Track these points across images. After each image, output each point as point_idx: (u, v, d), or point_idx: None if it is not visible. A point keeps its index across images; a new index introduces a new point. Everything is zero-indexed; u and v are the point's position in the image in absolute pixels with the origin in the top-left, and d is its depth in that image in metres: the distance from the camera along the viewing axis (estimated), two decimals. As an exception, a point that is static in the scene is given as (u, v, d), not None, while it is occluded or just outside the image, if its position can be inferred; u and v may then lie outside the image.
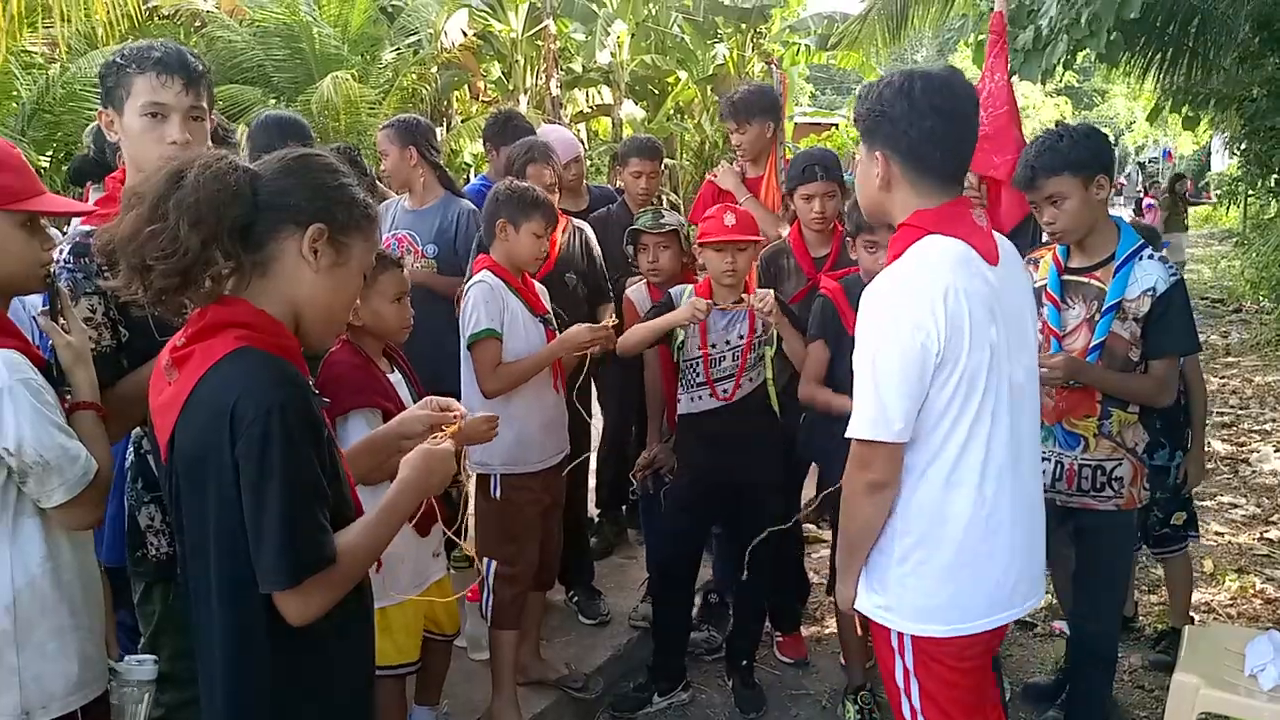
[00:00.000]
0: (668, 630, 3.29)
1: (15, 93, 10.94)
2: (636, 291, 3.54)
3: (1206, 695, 2.45)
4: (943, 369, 1.73)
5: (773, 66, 4.56)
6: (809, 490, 3.44)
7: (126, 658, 1.79)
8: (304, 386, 1.44)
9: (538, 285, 3.03)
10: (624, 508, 4.31)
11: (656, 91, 18.48)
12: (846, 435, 1.81)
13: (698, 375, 3.07)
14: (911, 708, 1.88)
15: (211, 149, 1.52)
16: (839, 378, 2.95)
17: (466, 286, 2.92)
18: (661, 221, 3.39)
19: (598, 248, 3.64)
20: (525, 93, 16.63)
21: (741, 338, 3.06)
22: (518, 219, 2.86)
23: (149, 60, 1.89)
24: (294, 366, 1.44)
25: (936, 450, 1.78)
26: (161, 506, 1.92)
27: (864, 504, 1.83)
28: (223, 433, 1.34)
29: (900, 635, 1.86)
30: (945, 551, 1.80)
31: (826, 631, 3.74)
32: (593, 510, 4.23)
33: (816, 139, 18.28)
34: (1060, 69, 6.22)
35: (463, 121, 16.86)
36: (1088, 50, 5.87)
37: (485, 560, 2.87)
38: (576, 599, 3.66)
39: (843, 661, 3.38)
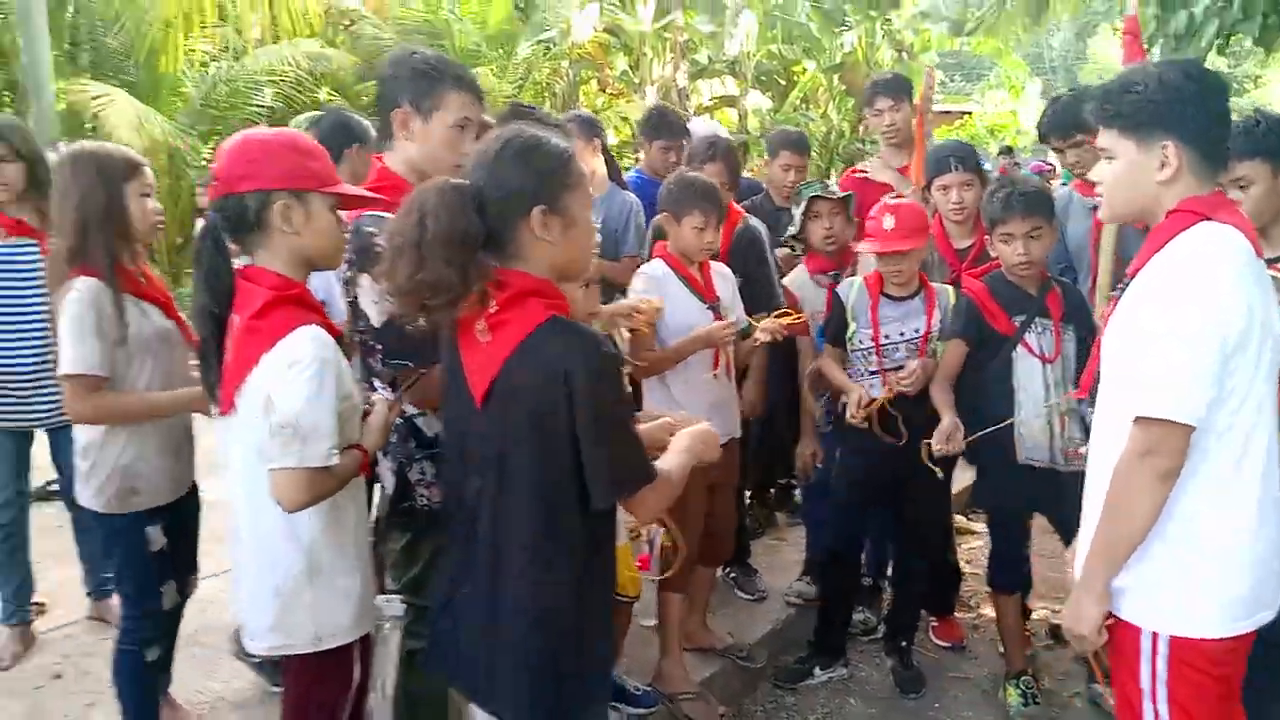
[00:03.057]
0: (833, 608, 3.40)
1: (184, 90, 11.74)
2: (796, 277, 3.64)
3: None
4: (1238, 353, 1.72)
5: (926, 71, 4.60)
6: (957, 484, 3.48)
7: (379, 598, 2.02)
8: (609, 345, 1.70)
9: (719, 271, 3.15)
10: (773, 491, 4.43)
11: (782, 81, 18.37)
12: (1139, 414, 1.73)
13: (869, 364, 3.15)
14: (1155, 713, 1.81)
15: (438, 180, 1.71)
16: (981, 378, 3.00)
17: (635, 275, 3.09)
18: (832, 189, 3.49)
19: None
20: (653, 84, 16.79)
21: (918, 331, 3.12)
22: (679, 212, 3.00)
23: (463, 79, 2.17)
24: (596, 331, 1.73)
25: (1222, 436, 1.74)
26: (433, 461, 2.14)
27: (1149, 494, 1.73)
28: (558, 387, 1.59)
29: (1154, 636, 1.79)
30: (1219, 546, 1.75)
31: (982, 618, 3.77)
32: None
33: (949, 129, 17.91)
34: (1212, 53, 6.00)
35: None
36: (1241, 34, 5.65)
37: (653, 528, 3.03)
38: (734, 575, 3.79)
39: (1001, 649, 3.42)
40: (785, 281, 3.65)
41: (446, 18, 13.43)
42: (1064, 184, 5.89)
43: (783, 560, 4.02)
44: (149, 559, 2.47)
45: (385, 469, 2.20)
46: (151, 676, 2.56)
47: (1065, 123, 3.48)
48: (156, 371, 2.46)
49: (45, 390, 3.18)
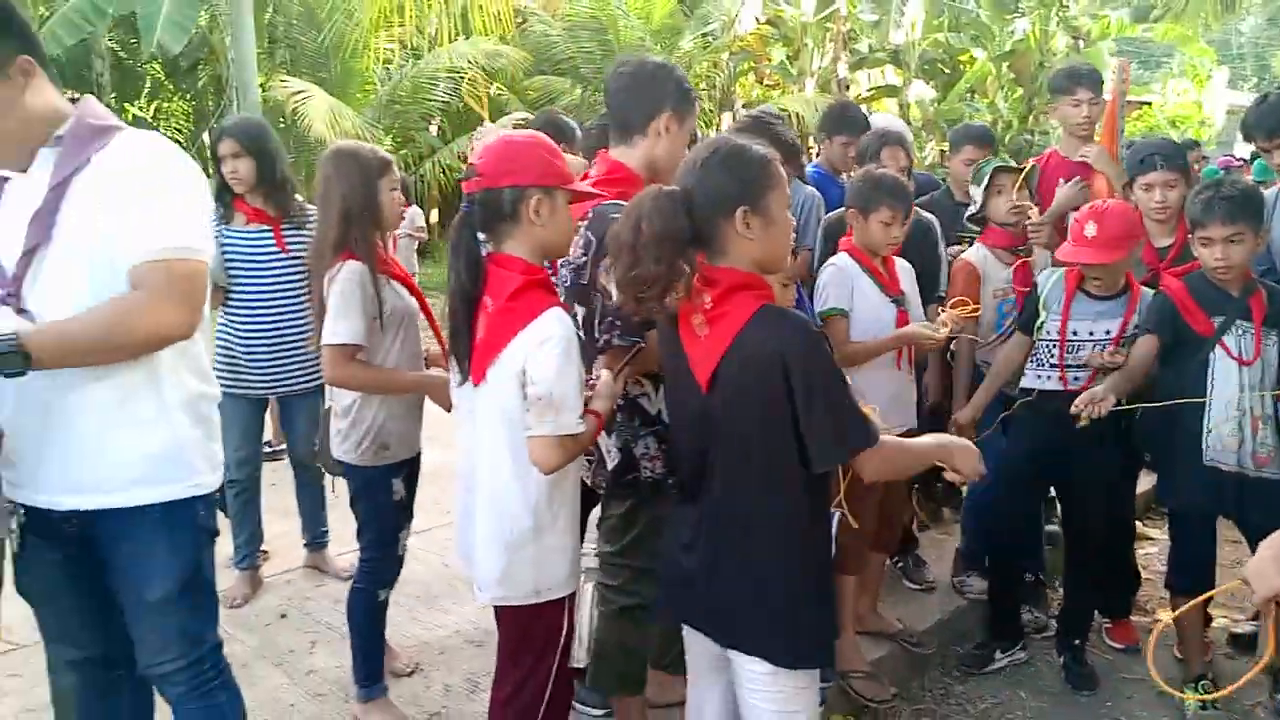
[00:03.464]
0: (1006, 594, 3.45)
1: (373, 85, 12.50)
2: (976, 253, 3.65)
3: None
4: None
5: (1117, 64, 4.48)
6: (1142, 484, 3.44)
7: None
8: (814, 327, 1.91)
9: (902, 265, 3.24)
10: (940, 485, 4.45)
11: (948, 71, 17.87)
12: None
13: (1051, 356, 3.16)
14: None
15: (654, 187, 1.93)
16: (1175, 377, 2.96)
17: (822, 267, 3.20)
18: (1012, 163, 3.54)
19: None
20: (812, 76, 16.69)
21: (1109, 334, 3.10)
22: (867, 208, 3.09)
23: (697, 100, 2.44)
24: (803, 315, 1.91)
25: None
26: (658, 437, 2.35)
27: None
28: (775, 370, 1.78)
29: None
30: None
31: (1158, 623, 3.70)
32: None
33: (1127, 120, 17.02)
34: None
35: (744, 106, 17.20)
36: None
37: (831, 511, 3.15)
38: (902, 565, 3.86)
39: (1177, 654, 3.37)
40: (965, 256, 3.67)
41: (613, 13, 13.73)
42: (1258, 180, 5.61)
43: (949, 553, 4.05)
44: (392, 508, 2.78)
45: (610, 444, 2.41)
46: (382, 615, 2.87)
47: (1274, 123, 3.35)
48: (405, 346, 2.76)
49: (278, 362, 3.56)
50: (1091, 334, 3.12)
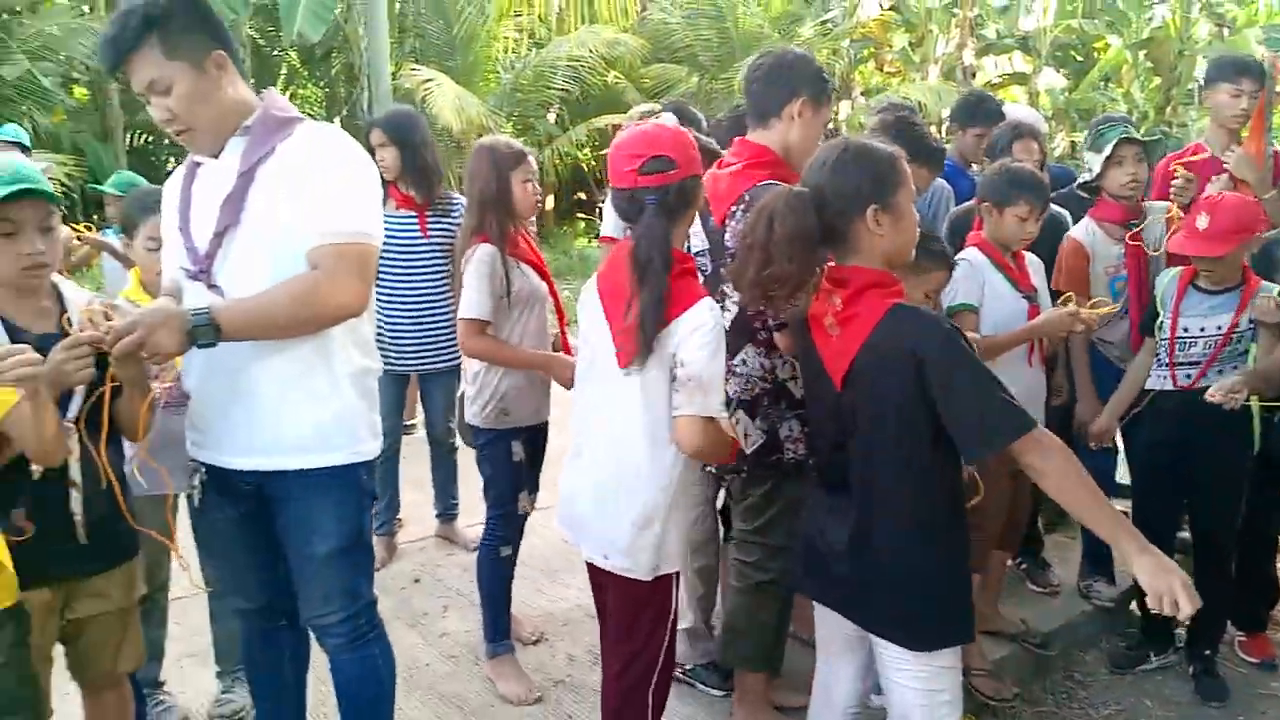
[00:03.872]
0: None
1: (496, 74, 12.80)
2: (1084, 230, 3.52)
3: None
4: None
5: (1269, 57, 4.26)
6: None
7: None
8: (948, 322, 1.94)
9: (1032, 261, 3.19)
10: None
11: (1080, 58, 17.21)
12: None
13: (1164, 354, 3.09)
14: None
15: (785, 188, 2.00)
16: None
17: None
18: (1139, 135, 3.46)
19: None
20: (936, 63, 16.30)
21: (1220, 329, 3.01)
22: (1003, 202, 3.04)
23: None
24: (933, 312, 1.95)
25: None
26: (801, 420, 2.42)
27: None
28: (910, 368, 1.82)
29: None
30: None
31: (1297, 639, 3.57)
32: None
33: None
34: None
35: (863, 95, 16.93)
36: None
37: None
38: (1025, 566, 3.80)
39: (1319, 672, 3.24)
40: (1071, 234, 3.55)
41: (733, 0, 13.68)
42: None
43: (1074, 557, 3.96)
44: (511, 469, 2.95)
45: (753, 427, 2.48)
46: (506, 570, 3.03)
47: None
48: (532, 325, 2.94)
49: (420, 341, 3.75)
50: (1203, 329, 3.03)
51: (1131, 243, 3.46)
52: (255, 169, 1.96)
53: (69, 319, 1.91)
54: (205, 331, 1.85)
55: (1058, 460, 1.80)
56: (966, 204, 3.58)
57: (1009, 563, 3.58)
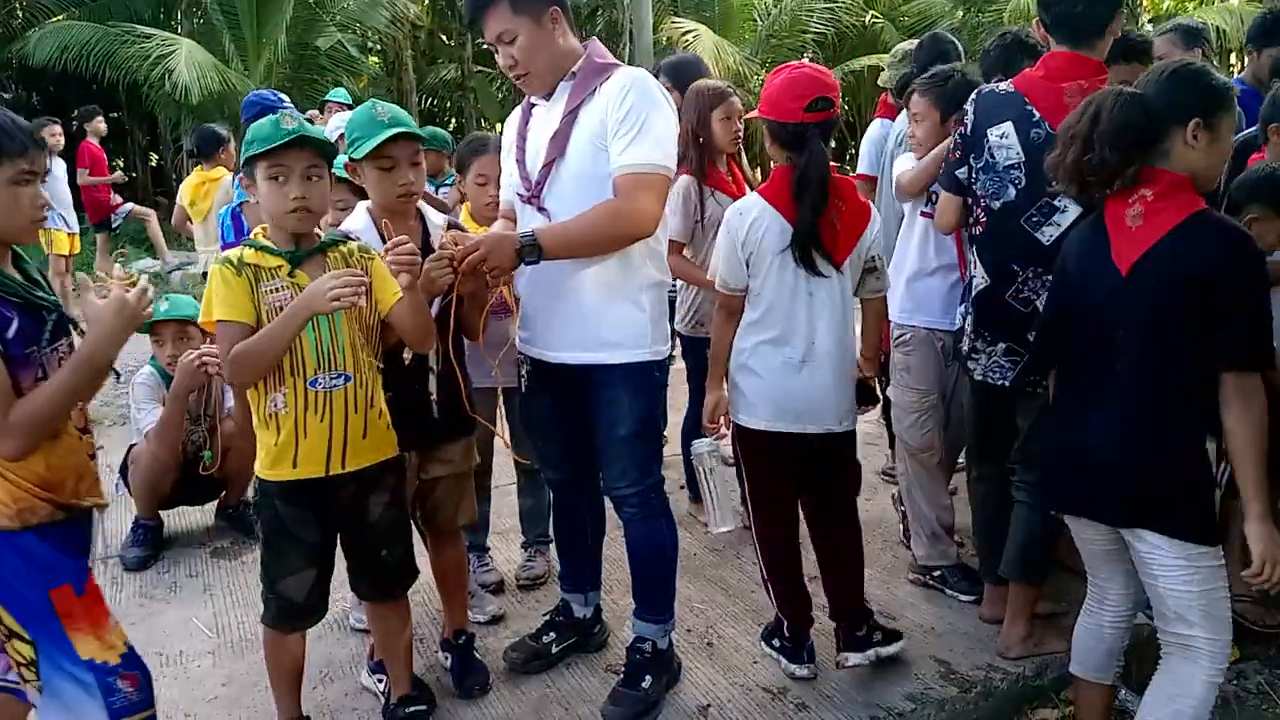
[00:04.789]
0: None
1: (753, 21, 12.95)
2: None
3: None
4: None
5: None
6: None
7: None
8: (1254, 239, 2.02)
9: None
10: None
11: None
12: None
13: None
14: None
15: (1113, 87, 2.10)
16: None
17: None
18: None
19: None
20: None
21: None
22: None
23: None
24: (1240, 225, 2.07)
25: None
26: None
27: None
28: (1204, 271, 1.92)
29: None
30: None
31: None
32: None
33: None
34: None
35: (1150, 21, 15.49)
36: None
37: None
38: None
39: None
40: None
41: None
42: None
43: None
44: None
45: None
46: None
47: None
48: None
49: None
50: None
51: None
52: (579, 109, 2.34)
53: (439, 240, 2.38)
54: (531, 250, 2.25)
55: (1257, 407, 1.90)
56: (1251, 130, 3.43)
57: None
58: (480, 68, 16.26)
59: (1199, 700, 2.03)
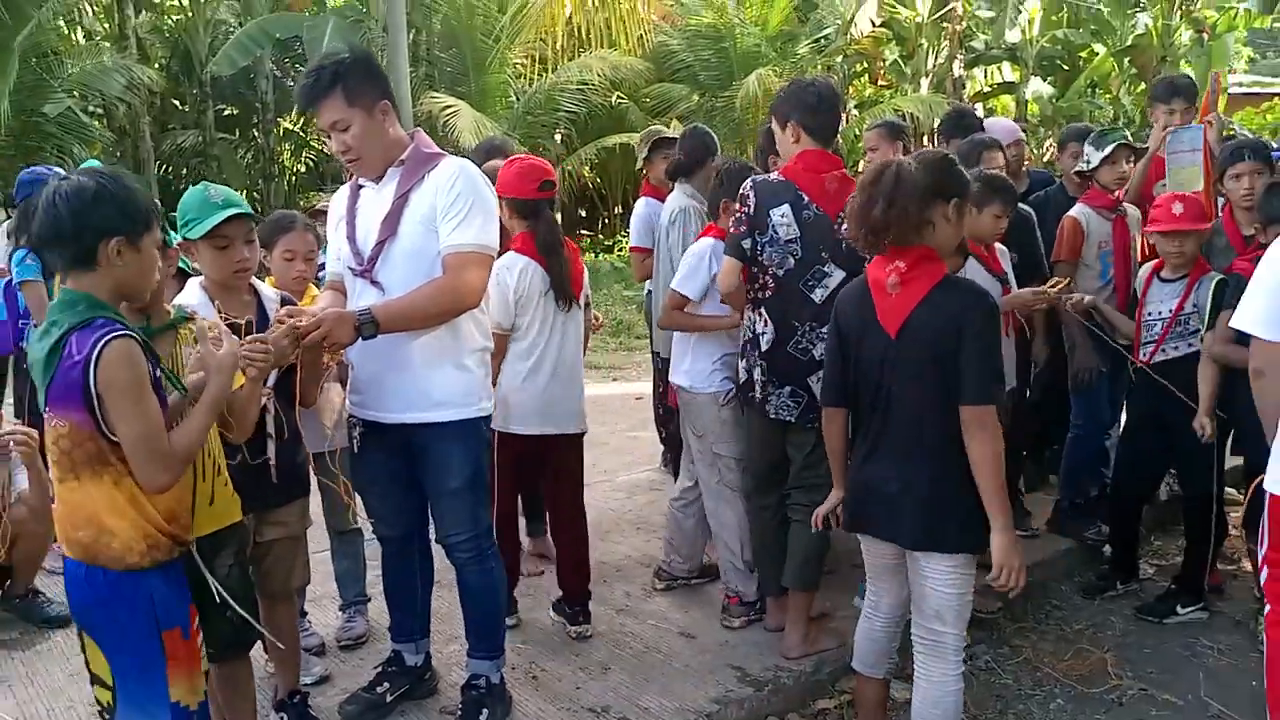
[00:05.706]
0: (1124, 537, 4.02)
1: (509, 98, 13.46)
2: (1081, 211, 4.19)
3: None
4: None
5: (1212, 77, 4.95)
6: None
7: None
8: (991, 298, 2.47)
9: (1001, 250, 3.82)
10: (1047, 453, 4.95)
11: (1066, 67, 17.89)
12: None
13: (1141, 334, 3.74)
14: None
15: (899, 158, 2.53)
16: None
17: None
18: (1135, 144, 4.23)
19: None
20: (926, 75, 16.98)
21: (1170, 310, 3.66)
22: (982, 203, 3.65)
23: None
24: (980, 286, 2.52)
25: None
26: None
27: None
28: (954, 325, 2.33)
29: None
30: None
31: (1241, 570, 4.18)
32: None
33: (1254, 112, 16.71)
34: None
35: (856, 108, 17.57)
36: None
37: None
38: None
39: (1256, 593, 3.82)
40: (1071, 214, 4.21)
41: (731, 21, 14.34)
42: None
43: (1049, 510, 4.58)
44: None
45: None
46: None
47: None
48: None
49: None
50: (1160, 313, 3.67)
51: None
52: (410, 193, 2.60)
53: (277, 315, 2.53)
54: (369, 327, 2.47)
55: (991, 435, 2.30)
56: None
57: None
58: (223, 135, 15.74)
59: (956, 690, 2.50)
